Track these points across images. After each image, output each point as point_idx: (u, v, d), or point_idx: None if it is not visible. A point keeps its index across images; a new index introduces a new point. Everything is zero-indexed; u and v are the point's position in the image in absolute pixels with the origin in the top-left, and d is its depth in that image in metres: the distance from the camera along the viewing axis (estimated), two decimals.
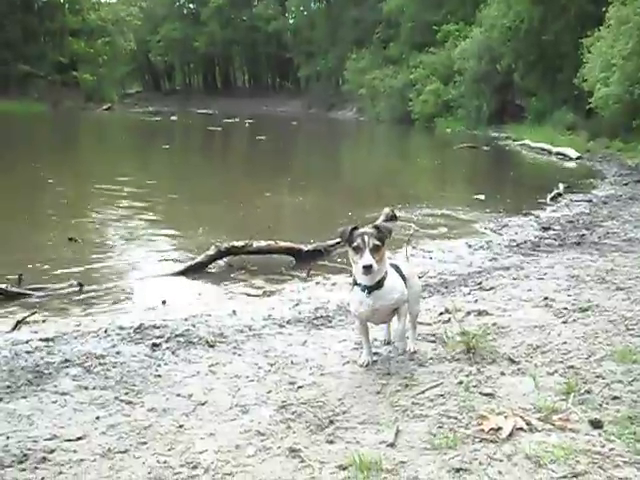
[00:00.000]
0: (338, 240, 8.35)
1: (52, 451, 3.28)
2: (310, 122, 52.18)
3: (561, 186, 14.36)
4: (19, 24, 60.21)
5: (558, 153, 24.32)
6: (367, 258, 3.95)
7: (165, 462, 3.17)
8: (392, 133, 42.87)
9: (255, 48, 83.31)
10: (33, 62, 59.31)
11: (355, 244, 4.00)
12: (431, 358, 4.42)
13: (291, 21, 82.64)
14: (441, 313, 5.45)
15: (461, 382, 3.98)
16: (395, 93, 50.61)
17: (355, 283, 4.16)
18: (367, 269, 3.94)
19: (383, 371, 4.19)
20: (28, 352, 4.63)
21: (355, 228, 4.08)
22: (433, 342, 4.73)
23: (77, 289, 6.56)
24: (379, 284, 4.10)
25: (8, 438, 3.40)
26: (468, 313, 5.43)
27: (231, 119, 46.24)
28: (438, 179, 20.28)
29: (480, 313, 5.42)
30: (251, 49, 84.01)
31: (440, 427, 3.43)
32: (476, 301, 5.89)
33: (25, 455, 3.24)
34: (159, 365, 4.39)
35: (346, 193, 14.47)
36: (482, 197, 13.53)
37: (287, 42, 79.74)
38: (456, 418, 3.52)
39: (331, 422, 3.52)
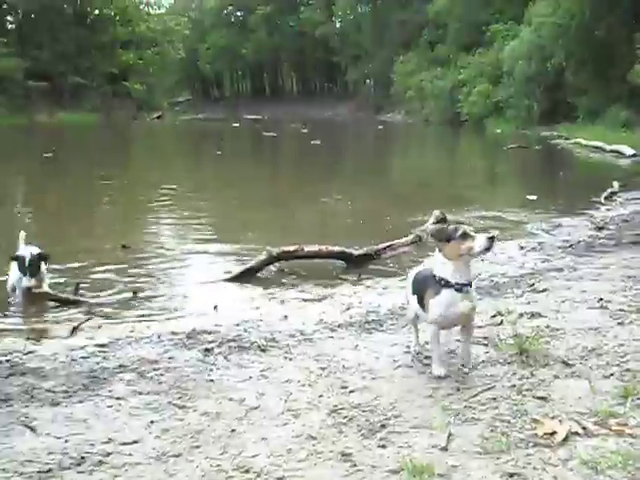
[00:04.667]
0: (390, 244, 8.36)
1: (108, 454, 3.34)
2: (360, 125, 52.19)
3: (616, 184, 14.00)
4: (72, 38, 61.78)
5: (612, 150, 23.82)
6: (483, 235, 3.91)
7: (218, 466, 3.20)
8: (442, 135, 42.64)
9: (302, 53, 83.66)
10: (85, 74, 60.84)
11: (461, 232, 3.91)
12: (483, 361, 4.38)
13: (338, 25, 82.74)
14: (493, 316, 5.37)
15: (514, 385, 3.93)
16: (443, 94, 50.38)
17: (443, 284, 4.02)
18: (491, 240, 3.86)
19: (434, 375, 4.16)
20: (84, 357, 4.71)
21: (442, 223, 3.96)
22: (485, 345, 4.68)
23: (131, 296, 6.67)
24: (470, 283, 4.06)
25: (66, 441, 3.47)
26: (520, 315, 5.35)
27: (285, 124, 46.47)
28: (489, 180, 20.07)
29: (533, 315, 5.34)
30: (298, 54, 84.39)
31: (493, 431, 3.39)
32: (529, 303, 5.81)
33: (83, 458, 3.30)
34: (211, 370, 4.43)
35: (397, 196, 14.43)
36: (534, 197, 13.33)
37: (334, 46, 79.81)
38: (509, 422, 3.47)
39: (383, 426, 3.51)
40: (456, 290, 3.98)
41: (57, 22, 62.07)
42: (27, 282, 6.33)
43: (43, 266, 6.58)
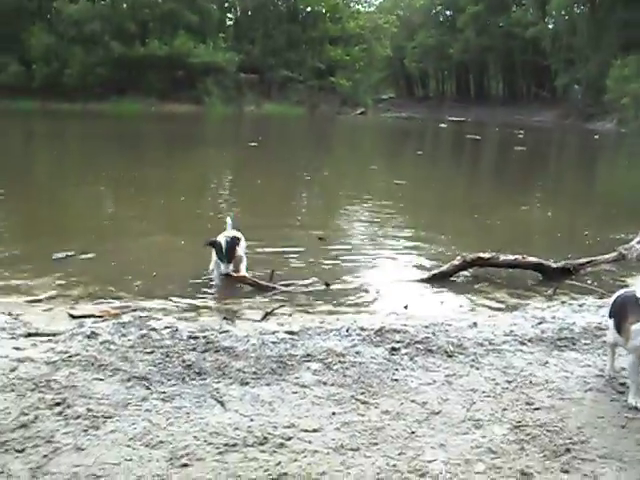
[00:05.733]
0: (591, 259, 7.95)
1: (289, 438, 3.48)
2: (567, 133, 49.97)
3: None
4: (285, 33, 64.56)
5: None
6: None
7: (394, 466, 3.23)
8: None
9: (511, 55, 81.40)
10: (293, 68, 63.27)
11: None
12: None
13: (550, 26, 79.70)
14: None
15: None
16: None
17: None
18: None
19: (630, 404, 3.92)
20: (274, 342, 4.91)
21: None
22: None
23: (324, 287, 6.85)
24: None
25: (252, 420, 3.66)
26: None
27: (489, 127, 45.60)
28: None
29: None
30: (506, 56, 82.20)
31: None
32: None
33: (265, 438, 3.47)
34: (396, 369, 4.46)
35: (599, 210, 13.66)
36: None
37: (545, 48, 76.97)
38: None
39: (567, 450, 3.37)
40: None
41: (271, 18, 65.14)
42: (225, 269, 6.67)
43: (242, 250, 6.93)
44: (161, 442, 3.38)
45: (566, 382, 4.30)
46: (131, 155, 21.49)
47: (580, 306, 6.54)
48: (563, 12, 76.98)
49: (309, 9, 68.28)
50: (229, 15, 69.18)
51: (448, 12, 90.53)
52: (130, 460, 3.22)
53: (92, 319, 5.42)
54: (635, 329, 3.78)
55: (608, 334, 4.32)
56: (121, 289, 6.53)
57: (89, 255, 7.90)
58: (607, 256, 8.24)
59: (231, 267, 6.67)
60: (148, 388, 4.01)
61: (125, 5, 58.12)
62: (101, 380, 4.10)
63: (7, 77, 52.09)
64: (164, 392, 3.96)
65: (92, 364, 4.33)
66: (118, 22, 56.12)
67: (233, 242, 6.72)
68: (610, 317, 4.15)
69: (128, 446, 3.34)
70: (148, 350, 4.62)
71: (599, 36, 66.33)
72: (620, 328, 3.95)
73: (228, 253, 6.64)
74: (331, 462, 3.26)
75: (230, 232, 7.18)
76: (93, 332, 4.95)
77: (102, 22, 55.23)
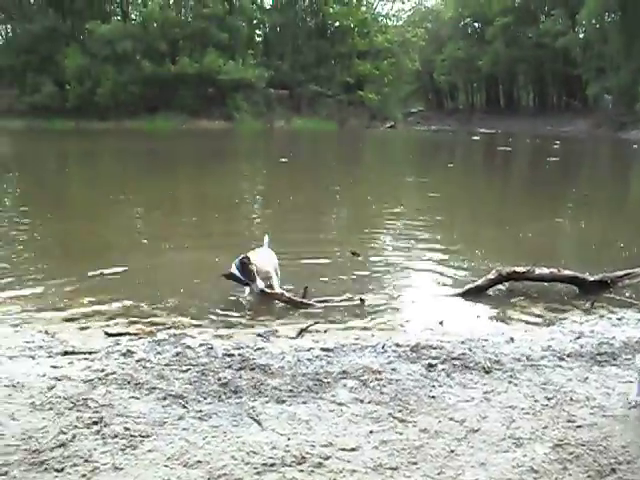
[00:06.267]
0: (628, 272, 7.81)
1: (327, 458, 3.45)
2: (598, 143, 49.41)
3: None
4: (313, 48, 64.96)
5: None
6: None
7: None
8: None
9: (541, 65, 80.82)
10: (323, 82, 63.56)
11: None
12: None
13: (581, 35, 79.08)
14: None
15: None
16: None
17: None
18: None
19: None
20: (309, 360, 4.89)
21: None
22: None
23: (358, 303, 6.81)
24: None
25: (289, 439, 3.64)
26: None
27: (520, 138, 45.26)
28: None
29: None
30: (536, 66, 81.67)
31: None
32: None
33: (303, 458, 3.44)
34: (433, 386, 4.41)
35: (633, 221, 13.44)
36: None
37: (575, 58, 76.37)
38: None
39: (613, 470, 3.29)
40: None
41: (300, 34, 65.68)
42: (256, 288, 6.66)
43: (273, 266, 7.02)
44: (199, 462, 3.38)
45: (608, 399, 4.21)
46: (164, 172, 21.70)
47: (619, 320, 6.43)
48: (594, 21, 76.42)
49: (337, 24, 68.50)
50: (258, 32, 69.74)
51: (476, 24, 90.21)
52: None
53: (127, 337, 5.45)
54: None
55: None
56: (156, 307, 6.57)
57: (124, 272, 7.96)
58: None
59: (261, 284, 6.66)
60: (184, 407, 4.01)
61: (155, 24, 58.87)
62: (137, 399, 4.11)
63: (42, 98, 53.47)
64: (200, 410, 3.96)
65: (128, 382, 4.34)
66: (149, 41, 56.95)
67: (242, 263, 6.66)
68: None
69: (166, 466, 3.34)
70: (184, 368, 4.62)
71: (630, 44, 65.70)
72: None
73: (245, 274, 6.63)
74: None
75: (265, 249, 7.25)
76: (129, 350, 4.97)
77: (133, 41, 56.06)
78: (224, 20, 58.88)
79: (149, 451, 3.48)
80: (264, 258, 7.04)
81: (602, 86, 70.84)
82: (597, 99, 74.08)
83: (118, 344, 5.18)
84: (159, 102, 54.49)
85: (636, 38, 64.92)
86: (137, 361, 4.76)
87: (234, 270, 6.67)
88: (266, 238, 7.53)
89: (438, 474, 3.29)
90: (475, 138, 48.54)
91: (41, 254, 9.20)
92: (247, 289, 6.94)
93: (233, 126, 54.01)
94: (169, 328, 5.81)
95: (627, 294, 7.39)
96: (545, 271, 7.41)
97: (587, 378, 4.59)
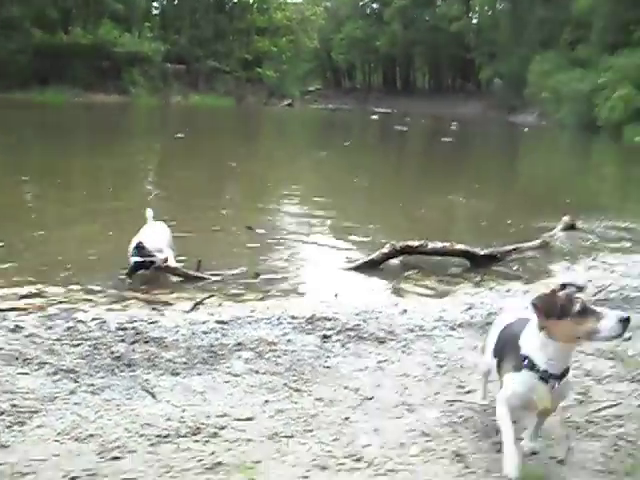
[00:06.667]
0: (516, 246, 8.14)
1: (223, 428, 3.43)
2: (489, 125, 50.99)
3: None
4: (212, 23, 63.88)
5: None
6: (613, 315, 2.78)
7: (329, 452, 3.22)
8: (572, 140, 40.90)
9: (436, 48, 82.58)
10: (220, 58, 62.73)
11: (579, 307, 2.80)
12: (609, 376, 4.19)
13: (474, 21, 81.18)
14: None
15: None
16: (581, 98, 48.15)
17: (527, 365, 2.97)
18: (624, 324, 2.75)
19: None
20: (204, 332, 4.85)
21: (554, 291, 2.93)
22: (611, 359, 4.48)
23: (253, 277, 6.80)
24: (564, 373, 3.01)
25: (184, 411, 3.60)
26: None
27: (415, 118, 46.10)
28: (621, 191, 19.05)
29: None
30: (432, 49, 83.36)
31: (617, 450, 3.24)
32: None
33: (198, 428, 3.41)
34: (328, 357, 4.46)
35: (521, 199, 13.98)
36: None
37: (469, 43, 78.40)
38: (636, 443, 3.30)
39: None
40: (541, 379, 2.95)
41: (198, 8, 64.36)
42: (160, 263, 6.50)
43: (167, 241, 6.84)
44: (91, 435, 3.29)
45: None
46: (56, 145, 20.87)
47: (507, 292, 6.69)
48: (486, 8, 78.58)
49: (236, 0, 67.74)
50: (155, 4, 67.91)
51: (375, 5, 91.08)
52: (58, 455, 3.11)
53: (16, 312, 5.23)
54: (507, 378, 3.09)
55: (482, 363, 3.75)
56: (45, 281, 6.31)
57: (12, 246, 7.63)
58: (531, 243, 8.48)
59: (162, 256, 6.52)
60: (76, 381, 3.89)
61: None
62: (26, 374, 3.96)
63: None
64: (93, 384, 3.86)
65: (16, 358, 4.18)
66: (39, 7, 54.30)
67: (138, 247, 6.43)
68: (494, 356, 3.36)
69: (56, 441, 3.23)
70: (75, 343, 4.49)
71: (520, 32, 67.94)
72: (500, 367, 3.24)
73: (145, 257, 6.44)
74: (266, 450, 3.22)
75: (152, 224, 7.09)
76: (17, 325, 4.78)
77: (21, 7, 53.29)
78: None
79: (38, 427, 3.36)
80: (155, 234, 6.87)
81: (494, 70, 73.00)
82: (489, 83, 76.38)
83: (5, 320, 4.95)
84: (50, 74, 52.08)
85: (525, 27, 67.17)
86: (26, 336, 4.58)
87: (133, 259, 6.45)
88: (149, 212, 7.32)
89: (333, 440, 3.33)
90: (374, 117, 49.05)
91: None
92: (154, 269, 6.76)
93: (129, 100, 52.50)
94: (60, 303, 5.61)
95: (514, 268, 7.70)
96: (438, 245, 7.61)
97: (476, 346, 4.73)
